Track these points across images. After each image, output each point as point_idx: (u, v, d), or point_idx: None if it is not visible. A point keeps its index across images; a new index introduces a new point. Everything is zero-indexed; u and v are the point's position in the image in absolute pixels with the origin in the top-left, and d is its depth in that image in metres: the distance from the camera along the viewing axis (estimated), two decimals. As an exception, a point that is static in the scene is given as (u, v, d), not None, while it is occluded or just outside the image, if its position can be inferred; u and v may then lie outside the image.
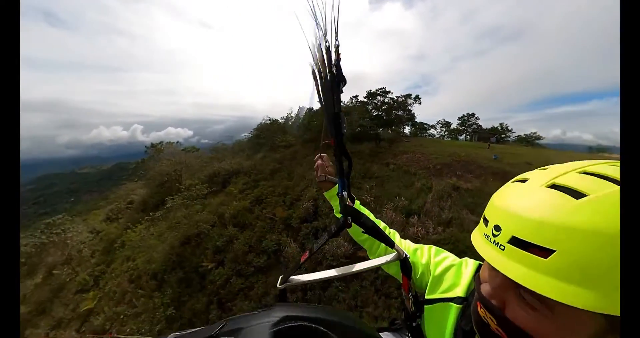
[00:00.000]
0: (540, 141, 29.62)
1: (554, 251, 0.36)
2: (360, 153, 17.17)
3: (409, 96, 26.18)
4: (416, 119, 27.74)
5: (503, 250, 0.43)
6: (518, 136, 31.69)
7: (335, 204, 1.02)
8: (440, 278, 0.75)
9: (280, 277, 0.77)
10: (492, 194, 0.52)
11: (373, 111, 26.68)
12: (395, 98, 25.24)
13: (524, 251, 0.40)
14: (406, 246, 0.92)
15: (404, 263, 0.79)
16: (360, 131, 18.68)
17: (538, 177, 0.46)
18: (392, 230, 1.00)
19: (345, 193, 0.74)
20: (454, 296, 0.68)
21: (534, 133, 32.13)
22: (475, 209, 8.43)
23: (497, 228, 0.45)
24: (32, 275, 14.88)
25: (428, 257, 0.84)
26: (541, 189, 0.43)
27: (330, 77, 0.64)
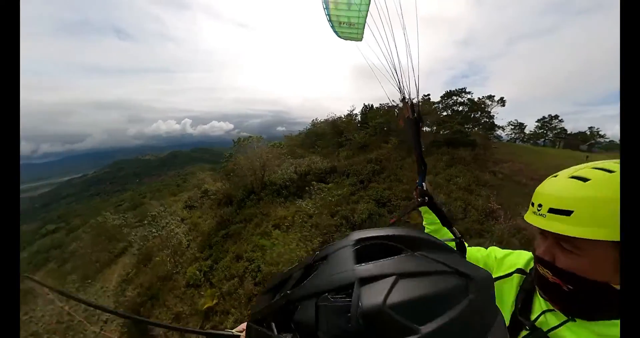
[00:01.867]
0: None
1: (573, 211, 0.60)
2: (462, 160, 15.18)
3: (490, 97, 22.67)
4: (496, 123, 23.99)
5: (544, 217, 0.65)
6: (610, 141, 26.20)
7: (426, 216, 1.29)
8: (502, 260, 0.94)
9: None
10: None
11: (443, 111, 23.75)
12: (477, 99, 22.01)
13: (557, 215, 0.62)
14: (470, 248, 1.06)
15: (459, 243, 0.94)
16: (457, 137, 16.38)
17: (564, 172, 0.68)
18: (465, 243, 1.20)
19: (424, 184, 1.17)
20: (515, 269, 0.87)
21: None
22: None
23: (540, 205, 0.67)
24: (132, 256, 15.15)
25: (489, 250, 1.02)
26: (565, 179, 0.65)
27: (414, 119, 1.20)
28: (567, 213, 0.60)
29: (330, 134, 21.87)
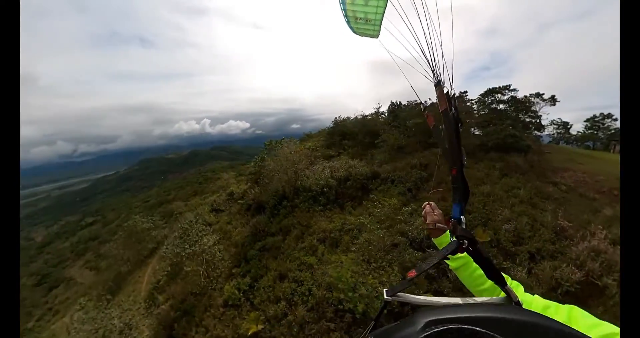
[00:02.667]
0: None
1: None
2: (517, 168, 13.27)
3: (538, 95, 19.97)
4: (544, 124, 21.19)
5: None
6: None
7: (461, 272, 0.94)
8: None
9: (388, 288, 0.70)
10: None
11: (481, 111, 21.39)
12: (522, 98, 19.42)
13: None
14: (534, 300, 0.73)
15: None
16: (511, 141, 14.26)
17: None
18: (514, 281, 0.84)
19: (463, 218, 0.75)
20: None
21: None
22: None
23: None
24: (161, 261, 14.46)
25: (567, 318, 0.63)
26: None
27: (452, 115, 0.78)
28: None
29: (360, 134, 20.10)
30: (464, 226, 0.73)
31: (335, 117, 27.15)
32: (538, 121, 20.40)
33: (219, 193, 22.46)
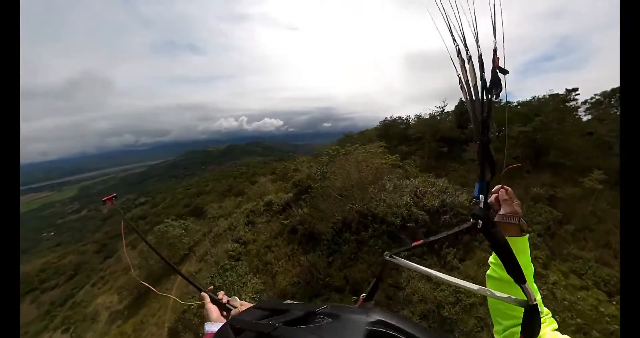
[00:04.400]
0: None
1: None
2: None
3: None
4: None
5: None
6: None
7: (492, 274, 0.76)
8: None
9: (387, 252, 0.72)
10: None
11: (586, 112, 15.11)
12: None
13: None
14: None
15: (530, 314, 0.49)
16: None
17: None
18: (545, 309, 0.68)
19: (482, 197, 0.60)
20: None
21: None
22: None
23: None
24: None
25: None
26: None
27: (481, 83, 0.59)
28: None
29: (431, 141, 14.96)
30: (481, 206, 0.59)
31: (386, 118, 22.75)
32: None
33: (255, 202, 19.26)
